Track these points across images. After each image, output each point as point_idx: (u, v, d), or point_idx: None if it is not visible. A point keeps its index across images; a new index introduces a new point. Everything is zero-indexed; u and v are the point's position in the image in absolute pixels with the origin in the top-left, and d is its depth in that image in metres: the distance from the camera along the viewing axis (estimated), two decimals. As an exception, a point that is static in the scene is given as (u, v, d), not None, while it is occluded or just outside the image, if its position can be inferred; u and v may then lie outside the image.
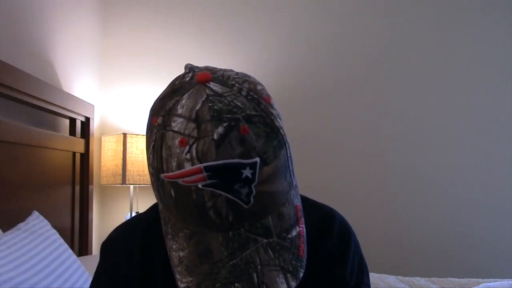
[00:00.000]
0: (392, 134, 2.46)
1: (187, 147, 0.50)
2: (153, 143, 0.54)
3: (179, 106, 0.52)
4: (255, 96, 0.54)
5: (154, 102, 0.58)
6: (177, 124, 0.51)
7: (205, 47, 2.50)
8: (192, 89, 0.53)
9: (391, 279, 1.86)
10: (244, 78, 0.56)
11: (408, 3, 2.49)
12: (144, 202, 2.39)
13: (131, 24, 2.52)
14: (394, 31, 2.49)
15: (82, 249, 2.00)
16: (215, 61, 2.27)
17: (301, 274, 0.51)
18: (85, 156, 2.04)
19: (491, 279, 1.84)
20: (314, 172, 2.41)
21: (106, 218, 2.43)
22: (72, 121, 1.99)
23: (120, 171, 2.15)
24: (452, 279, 1.88)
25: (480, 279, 1.86)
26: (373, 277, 1.84)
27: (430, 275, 2.09)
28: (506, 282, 1.68)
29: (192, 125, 0.50)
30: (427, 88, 2.46)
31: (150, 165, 0.55)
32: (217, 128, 0.49)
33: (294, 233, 0.54)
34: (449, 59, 2.47)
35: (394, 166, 2.45)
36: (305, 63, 2.50)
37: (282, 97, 2.34)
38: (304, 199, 0.67)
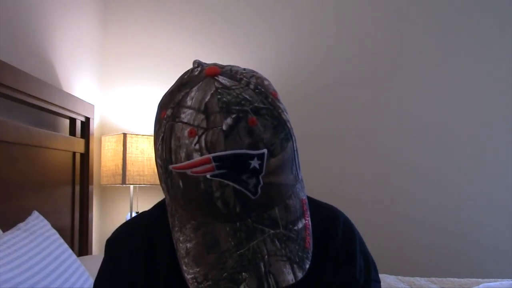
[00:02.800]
0: (391, 134, 2.46)
1: (196, 138, 0.51)
2: (162, 135, 0.54)
3: (188, 98, 0.53)
4: (262, 90, 0.55)
5: (163, 97, 0.58)
6: (186, 115, 0.52)
7: (205, 47, 2.50)
8: (201, 82, 0.54)
9: (391, 279, 1.86)
10: (252, 73, 0.57)
11: (408, 3, 2.50)
12: (144, 202, 2.39)
13: (131, 24, 2.52)
14: (394, 30, 2.49)
15: (82, 249, 2.00)
16: (215, 61, 2.27)
17: (307, 266, 0.52)
18: (85, 156, 2.04)
19: (491, 279, 1.84)
20: (314, 172, 2.40)
21: (106, 218, 2.43)
22: (72, 121, 1.99)
23: (120, 171, 2.15)
24: (452, 279, 1.88)
25: (480, 279, 1.86)
26: (373, 277, 1.84)
27: (430, 275, 2.09)
28: (506, 282, 1.68)
29: (201, 116, 0.51)
30: (427, 87, 2.46)
31: (158, 156, 0.55)
32: (226, 119, 0.50)
33: (300, 225, 0.54)
34: (449, 59, 2.47)
35: (394, 166, 2.45)
36: (305, 63, 2.50)
37: (282, 96, 2.34)
38: (309, 200, 0.67)
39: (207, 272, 0.51)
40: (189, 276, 0.52)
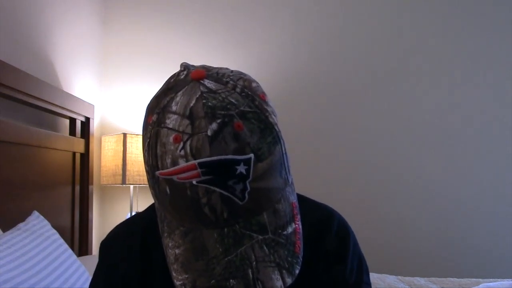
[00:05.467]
0: (393, 134, 2.46)
1: (181, 144, 0.50)
2: (148, 140, 0.54)
3: (173, 103, 0.53)
4: (249, 93, 0.54)
5: (150, 101, 0.58)
6: (172, 121, 0.52)
7: (205, 46, 2.50)
8: (186, 86, 0.54)
9: (391, 279, 1.86)
10: (239, 76, 0.56)
11: (410, 4, 2.49)
12: (144, 202, 2.39)
13: (131, 24, 2.52)
14: (396, 30, 2.49)
15: (82, 249, 2.00)
16: (215, 60, 2.27)
17: (297, 271, 0.51)
18: (85, 156, 2.04)
19: (491, 279, 1.84)
20: (314, 171, 2.41)
21: (106, 218, 2.43)
22: (72, 121, 1.99)
23: (120, 171, 2.15)
24: (452, 279, 1.88)
25: (480, 279, 1.86)
26: (373, 277, 1.84)
27: (430, 275, 2.09)
28: (506, 282, 1.67)
29: (186, 121, 0.51)
30: (427, 89, 2.46)
31: (145, 162, 0.55)
32: (211, 125, 0.50)
33: (289, 229, 0.54)
34: (448, 60, 2.47)
35: (394, 166, 2.44)
36: (306, 63, 2.50)
37: (283, 96, 2.34)
38: (304, 199, 0.66)
39: (195, 279, 0.51)
40: (178, 283, 0.51)
